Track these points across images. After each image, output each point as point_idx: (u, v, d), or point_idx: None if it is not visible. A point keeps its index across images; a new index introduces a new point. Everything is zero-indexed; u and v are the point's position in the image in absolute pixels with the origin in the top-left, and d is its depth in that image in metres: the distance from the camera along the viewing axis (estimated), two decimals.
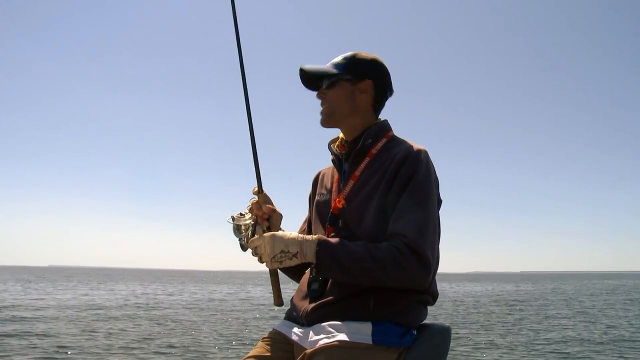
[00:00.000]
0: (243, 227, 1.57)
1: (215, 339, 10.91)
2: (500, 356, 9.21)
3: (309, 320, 1.54)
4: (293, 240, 1.47)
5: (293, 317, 1.63)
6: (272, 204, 1.69)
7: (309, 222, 1.83)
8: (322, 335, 1.46)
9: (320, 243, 1.46)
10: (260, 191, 1.67)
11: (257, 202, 1.65)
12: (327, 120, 1.68)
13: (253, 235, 1.58)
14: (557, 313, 18.09)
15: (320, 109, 1.69)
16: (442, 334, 1.58)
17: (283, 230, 1.65)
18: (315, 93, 1.71)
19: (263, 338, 1.66)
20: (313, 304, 1.54)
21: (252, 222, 1.59)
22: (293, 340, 1.57)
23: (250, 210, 1.64)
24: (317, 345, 1.44)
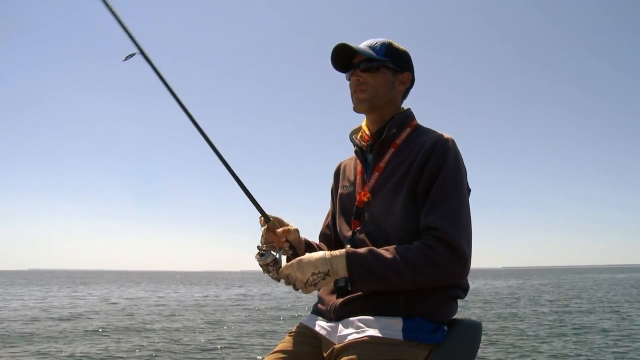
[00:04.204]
0: (270, 264, 1.52)
1: (233, 335, 10.61)
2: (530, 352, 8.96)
3: (337, 315, 1.49)
4: (321, 260, 1.41)
5: (320, 311, 1.58)
6: (283, 223, 1.63)
7: (332, 215, 1.78)
8: (351, 330, 1.42)
9: (349, 256, 1.40)
10: (267, 220, 1.60)
11: (267, 230, 1.60)
12: (364, 106, 1.60)
13: (280, 265, 1.54)
14: (573, 307, 18.04)
15: (353, 91, 1.61)
16: (473, 330, 1.53)
17: (301, 238, 1.65)
18: (337, 74, 1.63)
19: (290, 332, 1.62)
20: (341, 299, 1.50)
21: (274, 254, 1.54)
22: (321, 335, 1.52)
23: (266, 240, 1.59)
24: (347, 340, 1.40)
